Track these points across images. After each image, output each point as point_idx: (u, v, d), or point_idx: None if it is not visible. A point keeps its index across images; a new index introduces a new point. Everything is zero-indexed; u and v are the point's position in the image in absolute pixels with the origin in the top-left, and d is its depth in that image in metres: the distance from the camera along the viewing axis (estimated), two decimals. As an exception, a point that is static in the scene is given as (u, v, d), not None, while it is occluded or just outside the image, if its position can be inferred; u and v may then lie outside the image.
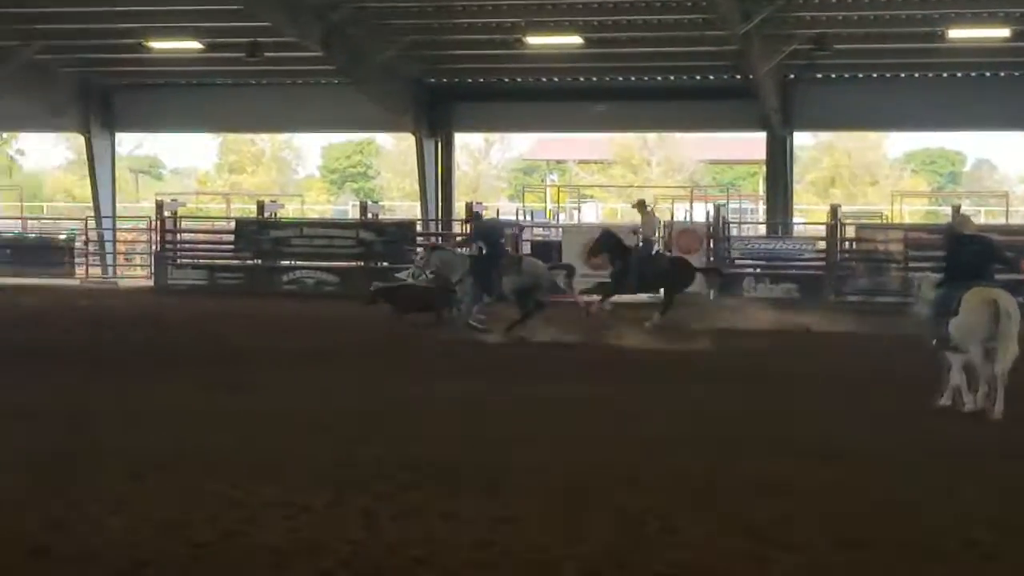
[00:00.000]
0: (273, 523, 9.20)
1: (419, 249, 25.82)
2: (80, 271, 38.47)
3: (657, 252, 27.03)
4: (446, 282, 23.55)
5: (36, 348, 20.44)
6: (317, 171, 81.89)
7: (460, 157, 52.82)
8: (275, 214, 38.28)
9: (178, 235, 37.37)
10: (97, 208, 41.03)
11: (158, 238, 36.74)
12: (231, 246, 36.11)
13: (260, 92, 39.60)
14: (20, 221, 47.89)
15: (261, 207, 37.62)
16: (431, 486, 10.36)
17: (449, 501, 9.82)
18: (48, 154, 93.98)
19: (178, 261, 35.98)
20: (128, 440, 12.33)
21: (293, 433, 12.83)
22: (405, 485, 10.38)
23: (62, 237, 41.01)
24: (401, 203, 64.89)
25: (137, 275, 39.66)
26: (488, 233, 23.95)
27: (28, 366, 18.07)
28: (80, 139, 43.88)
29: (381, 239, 34.68)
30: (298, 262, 34.91)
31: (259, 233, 35.30)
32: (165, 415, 13.89)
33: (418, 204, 41.28)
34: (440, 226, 38.31)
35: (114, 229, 41.23)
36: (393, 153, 74.10)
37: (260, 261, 34.82)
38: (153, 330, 23.39)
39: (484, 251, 23.28)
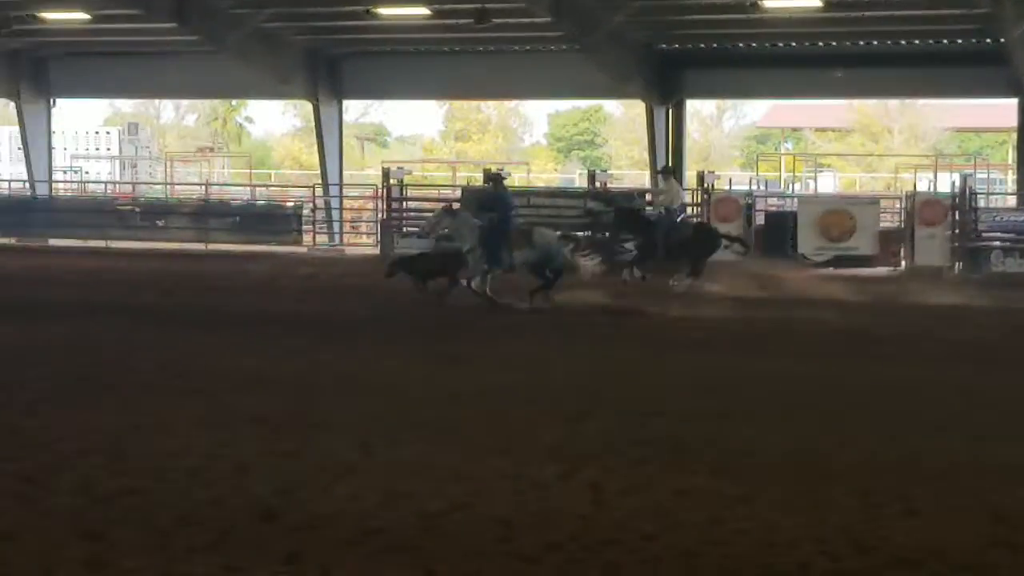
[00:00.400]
0: (501, 495, 9.32)
1: (430, 212, 25.37)
2: (307, 239, 39.43)
3: (682, 220, 26.60)
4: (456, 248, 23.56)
5: (267, 315, 21.05)
6: (544, 139, 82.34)
7: (691, 125, 52.42)
8: (494, 182, 38.53)
9: (404, 203, 37.98)
10: (324, 176, 41.96)
11: (384, 206, 37.40)
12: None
13: (486, 59, 39.91)
14: (248, 188, 49.34)
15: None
16: (661, 460, 10.36)
17: (679, 476, 9.80)
18: (276, 121, 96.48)
19: (404, 229, 36.55)
20: (356, 408, 12.63)
21: (520, 406, 12.94)
22: (635, 460, 10.40)
23: (290, 205, 42.08)
24: (629, 172, 64.82)
25: (363, 243, 40.45)
26: (500, 201, 23.69)
27: (259, 333, 18.63)
28: (308, 106, 44.91)
29: (609, 209, 34.66)
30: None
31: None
32: (391, 386, 14.16)
33: (647, 173, 41.11)
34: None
35: (340, 197, 42.12)
36: (622, 121, 74.03)
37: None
38: (380, 299, 23.82)
39: (494, 220, 23.08)
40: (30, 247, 38.30)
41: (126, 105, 73.30)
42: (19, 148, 47.07)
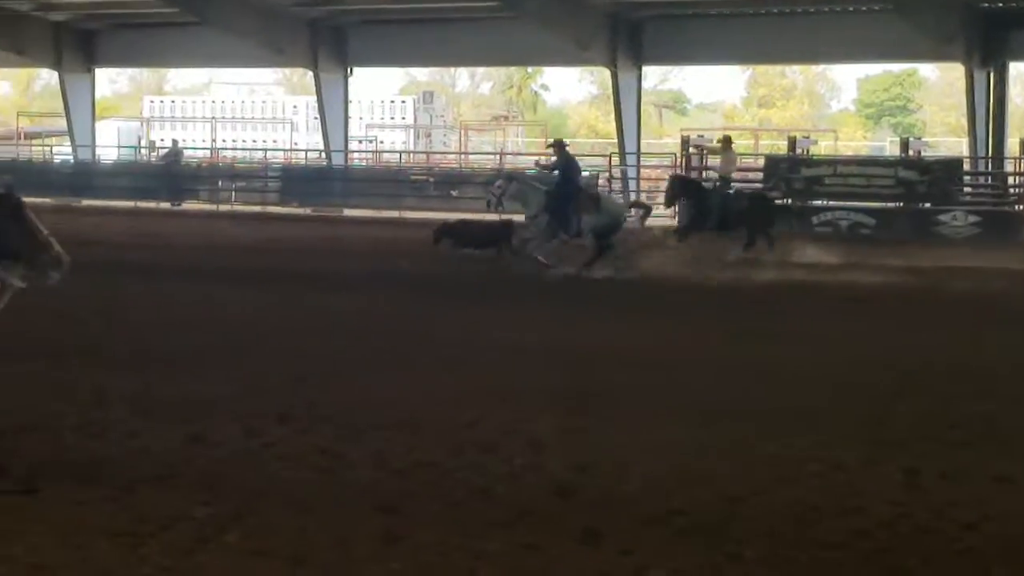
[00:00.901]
0: (806, 479, 9.18)
1: (498, 180, 25.16)
2: (603, 209, 39.54)
3: (736, 191, 26.24)
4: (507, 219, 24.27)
5: (558, 289, 21.22)
6: (852, 105, 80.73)
7: (1014, 89, 50.58)
8: (807, 150, 38.00)
9: (703, 172, 37.74)
10: (621, 144, 42.07)
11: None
12: (759, 184, 36.13)
13: (792, 21, 39.31)
14: (543, 157, 49.76)
15: (792, 143, 37.45)
16: (981, 446, 10.04)
17: (1002, 463, 9.48)
18: (573, 89, 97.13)
19: (704, 200, 36.32)
20: (651, 382, 12.62)
21: (826, 385, 12.73)
22: (952, 444, 10.11)
23: (585, 174, 42.29)
24: (945, 139, 62.98)
25: (660, 214, 40.37)
26: (567, 168, 23.88)
27: (547, 306, 18.81)
28: (605, 73, 45.08)
29: (923, 178, 33.77)
30: (831, 202, 34.54)
31: (790, 171, 35.15)
32: (680, 361, 14.10)
33: (964, 140, 39.86)
34: (990, 164, 36.88)
35: (638, 166, 42.16)
36: (937, 85, 72.03)
37: (790, 200, 34.66)
38: (674, 271, 23.74)
39: (562, 186, 23.12)
40: (325, 216, 39.51)
41: (421, 74, 74.89)
42: (315, 118, 48.61)
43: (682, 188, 26.11)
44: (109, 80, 69.78)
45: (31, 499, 8.31)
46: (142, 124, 58.66)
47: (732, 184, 26.58)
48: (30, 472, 8.90)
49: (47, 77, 65.71)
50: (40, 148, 54.44)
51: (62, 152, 51.64)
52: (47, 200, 41.16)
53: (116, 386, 11.92)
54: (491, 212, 25.85)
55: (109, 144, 52.50)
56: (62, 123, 50.10)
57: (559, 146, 24.97)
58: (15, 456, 9.35)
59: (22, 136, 56.78)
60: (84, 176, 46.07)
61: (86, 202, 42.44)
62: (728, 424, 10.87)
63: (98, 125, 50.70)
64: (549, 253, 23.47)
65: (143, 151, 52.59)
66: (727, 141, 27.97)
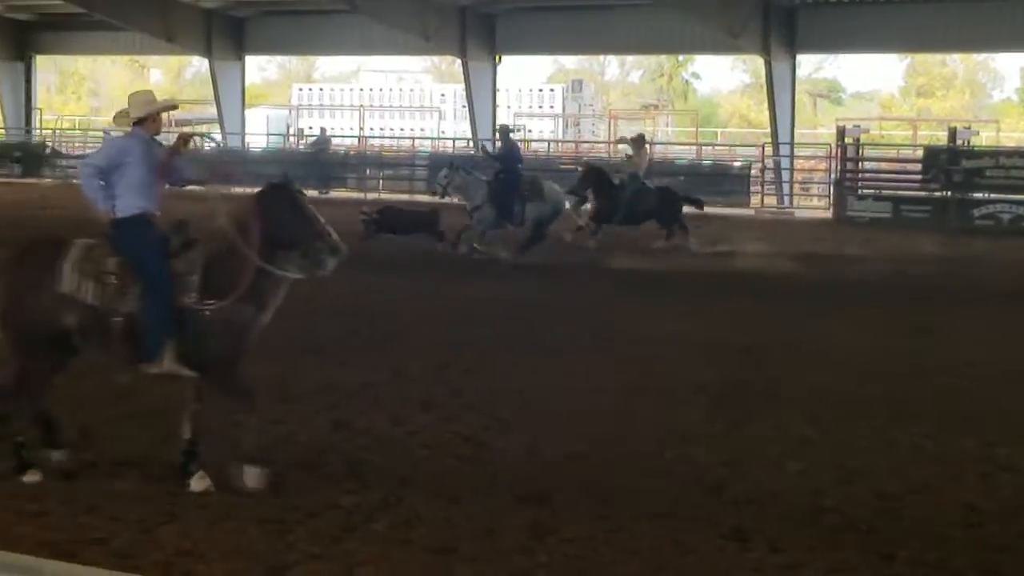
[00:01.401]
0: (969, 479, 9.01)
1: (444, 170, 24.83)
2: (755, 200, 39.26)
3: (644, 186, 26.16)
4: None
5: (706, 279, 21.10)
6: (1015, 95, 79.02)
7: None
8: (968, 142, 37.28)
9: (860, 164, 37.26)
10: (774, 134, 41.63)
11: (838, 167, 36.80)
12: (918, 176, 35.56)
13: (954, 8, 38.56)
14: (694, 147, 49.55)
15: (953, 134, 36.75)
16: None
17: None
18: (724, 77, 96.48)
19: (859, 192, 35.86)
20: (807, 380, 12.48)
21: (991, 383, 12.47)
22: None
23: (737, 165, 42.01)
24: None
25: (814, 205, 39.98)
26: (509, 156, 23.88)
27: (695, 298, 18.70)
28: (758, 61, 44.67)
29: (1090, 171, 32.95)
30: (993, 195, 33.85)
31: (950, 163, 34.51)
32: (844, 356, 13.92)
33: None
34: None
35: (791, 157, 41.73)
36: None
37: (950, 193, 34.04)
38: (830, 266, 23.47)
39: (503, 176, 23.05)
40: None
41: (570, 62, 74.82)
42: (463, 106, 48.83)
43: (596, 179, 25.97)
44: (258, 68, 70.83)
45: (183, 485, 8.45)
46: (291, 112, 59.43)
47: (643, 181, 26.43)
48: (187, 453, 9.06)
49: (197, 65, 66.86)
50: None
51: (213, 139, 52.50)
52: (196, 188, 41.96)
53: (261, 372, 12.08)
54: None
55: (258, 132, 53.28)
56: (212, 110, 50.92)
57: (505, 133, 25.19)
58: (167, 442, 9.52)
59: (172, 123, 57.83)
60: (233, 163, 46.80)
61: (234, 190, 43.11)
62: (887, 421, 10.71)
63: (247, 113, 51.47)
64: (493, 242, 23.64)
65: (291, 139, 53.28)
66: (640, 139, 28.23)
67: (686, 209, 26.45)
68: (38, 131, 52.56)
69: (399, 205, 27.61)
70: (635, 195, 25.86)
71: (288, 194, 8.78)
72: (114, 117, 9.16)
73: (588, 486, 8.69)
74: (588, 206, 25.59)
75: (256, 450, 8.45)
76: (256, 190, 8.84)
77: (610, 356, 13.67)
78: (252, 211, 8.59)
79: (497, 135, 24.95)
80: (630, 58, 76.45)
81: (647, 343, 14.47)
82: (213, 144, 22.88)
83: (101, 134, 52.36)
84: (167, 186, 8.99)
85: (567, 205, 24.74)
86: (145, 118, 8.76)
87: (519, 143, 25.65)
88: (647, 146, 29.13)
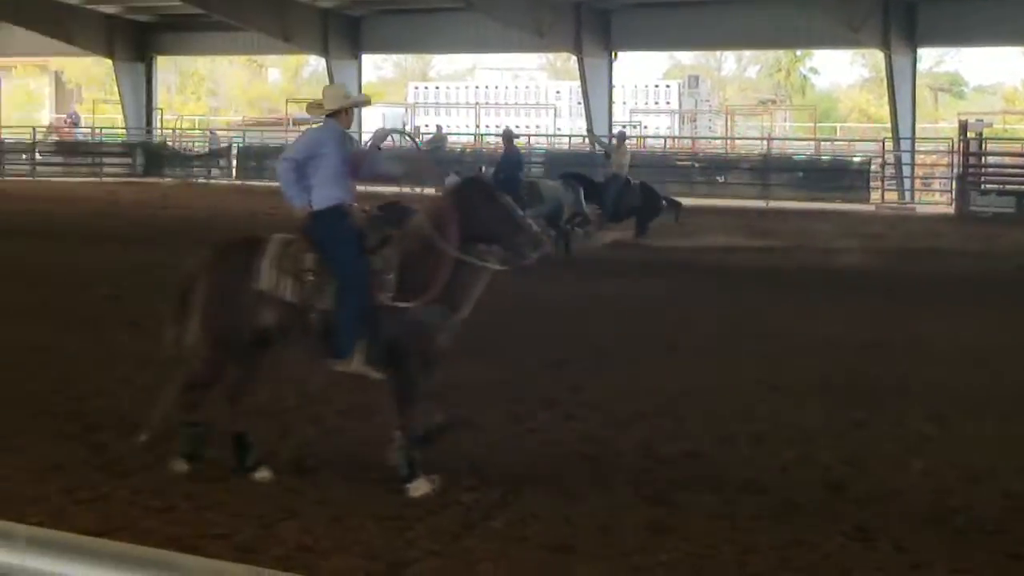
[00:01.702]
0: (1100, 479, 8.86)
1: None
2: (875, 196, 38.86)
3: (628, 183, 26.35)
4: None
5: (830, 276, 20.92)
6: None
7: None
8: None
9: (983, 158, 36.73)
10: (895, 129, 41.18)
11: (960, 161, 36.31)
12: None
13: (1081, -2, 37.85)
14: (812, 143, 49.13)
15: (1078, 128, 36.14)
16: None
17: None
18: (843, 72, 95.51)
19: (983, 187, 35.37)
20: (929, 377, 12.33)
21: None
22: None
23: (856, 160, 41.58)
24: None
25: (936, 201, 39.50)
26: (509, 161, 23.69)
27: (822, 294, 18.54)
28: (878, 55, 44.17)
29: None
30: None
31: (1075, 157, 33.96)
32: (966, 353, 13.73)
33: None
34: None
35: (912, 152, 41.24)
36: None
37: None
38: (954, 262, 23.16)
39: (503, 181, 22.23)
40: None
41: (686, 57, 74.52)
42: (579, 103, 48.83)
43: (576, 183, 25.71)
44: (375, 66, 71.26)
45: (303, 481, 8.54)
46: (407, 110, 59.82)
47: (626, 178, 26.35)
48: (299, 455, 9.16)
49: (314, 64, 67.48)
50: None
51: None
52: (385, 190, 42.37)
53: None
54: None
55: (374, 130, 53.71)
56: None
57: (508, 138, 24.94)
58: (285, 438, 9.63)
59: (291, 122, 58.41)
60: (430, 162, 47.17)
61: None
62: (1011, 419, 10.55)
63: (364, 111, 51.89)
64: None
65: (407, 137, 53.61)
66: (621, 137, 28.64)
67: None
68: (159, 131, 53.39)
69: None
70: (619, 193, 26.08)
71: (484, 187, 8.82)
72: (307, 107, 9.25)
73: (709, 484, 8.65)
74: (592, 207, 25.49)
75: (413, 460, 8.42)
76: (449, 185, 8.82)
77: (730, 354, 13.60)
78: (448, 206, 8.57)
79: (500, 138, 24.81)
80: (747, 53, 75.99)
81: (771, 339, 14.38)
82: (411, 142, 23.15)
83: (208, 133, 53.13)
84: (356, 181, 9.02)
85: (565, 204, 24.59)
86: (339, 111, 8.83)
87: (518, 148, 25.37)
88: (627, 144, 29.25)
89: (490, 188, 8.81)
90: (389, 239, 8.59)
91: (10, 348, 13.12)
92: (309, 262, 8.53)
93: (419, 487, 8.31)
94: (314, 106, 9.00)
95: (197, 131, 58.16)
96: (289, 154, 8.93)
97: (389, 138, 16.18)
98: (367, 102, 10.43)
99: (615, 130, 32.20)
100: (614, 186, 26.17)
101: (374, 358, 8.50)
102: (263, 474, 8.59)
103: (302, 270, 8.51)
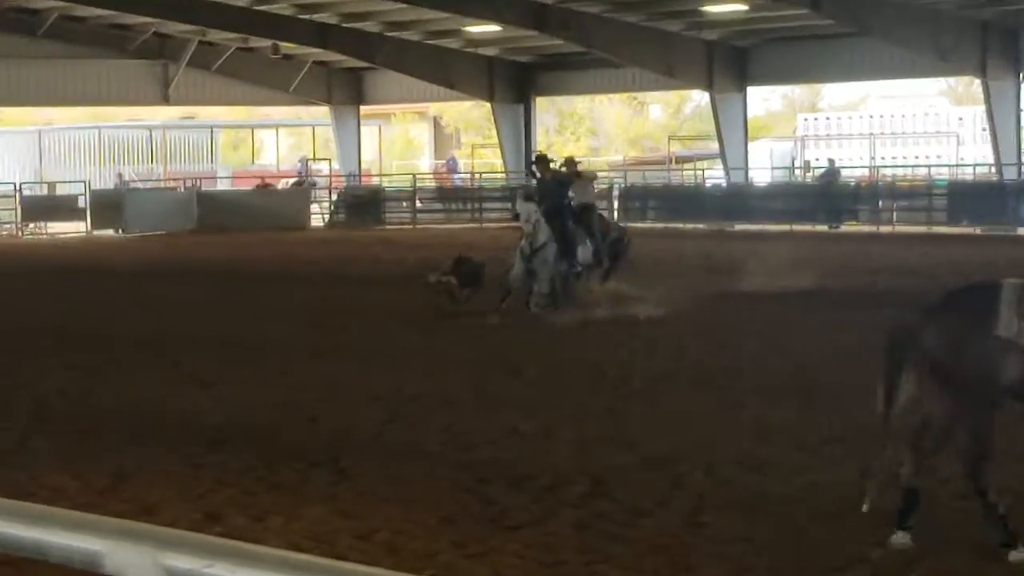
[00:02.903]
0: None
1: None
2: None
3: (599, 217, 23.33)
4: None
5: None
6: None
7: None
8: None
9: None
10: None
11: None
12: None
13: None
14: None
15: None
16: None
17: None
18: None
19: None
20: None
21: None
22: None
23: None
24: None
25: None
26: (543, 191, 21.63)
27: None
28: None
29: None
30: None
31: None
32: None
33: None
34: None
35: None
36: None
37: None
38: None
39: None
40: (996, 236, 38.39)
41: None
42: (983, 129, 47.44)
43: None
44: (761, 98, 71.08)
45: (696, 535, 8.52)
46: (795, 143, 59.35)
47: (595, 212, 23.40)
48: (694, 505, 9.14)
49: (697, 99, 67.77)
50: (691, 172, 56.19)
51: (713, 176, 53.06)
52: (699, 226, 42.47)
53: (778, 417, 12.06)
54: None
55: (762, 166, 53.47)
56: (713, 146, 51.47)
57: (539, 162, 22.89)
58: (679, 488, 9.64)
59: (673, 160, 58.81)
60: (737, 199, 47.10)
61: (739, 226, 43.33)
62: None
63: (750, 146, 51.75)
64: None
65: (797, 171, 53.19)
66: (572, 163, 24.06)
67: None
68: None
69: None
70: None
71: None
72: None
73: None
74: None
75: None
76: None
77: None
78: None
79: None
80: None
81: None
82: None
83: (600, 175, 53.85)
84: None
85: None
86: None
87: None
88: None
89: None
90: None
91: (390, 395, 13.58)
92: None
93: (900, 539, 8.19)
94: None
95: (578, 173, 59.09)
96: None
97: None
98: None
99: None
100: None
101: None
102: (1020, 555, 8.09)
103: None
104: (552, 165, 22.68)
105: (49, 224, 46.29)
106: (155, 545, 2.78)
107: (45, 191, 51.34)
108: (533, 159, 25.24)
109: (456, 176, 58.92)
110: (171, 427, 12.33)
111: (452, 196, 52.37)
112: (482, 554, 8.29)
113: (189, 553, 2.73)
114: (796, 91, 75.66)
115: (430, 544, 8.47)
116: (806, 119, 64.09)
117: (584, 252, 21.66)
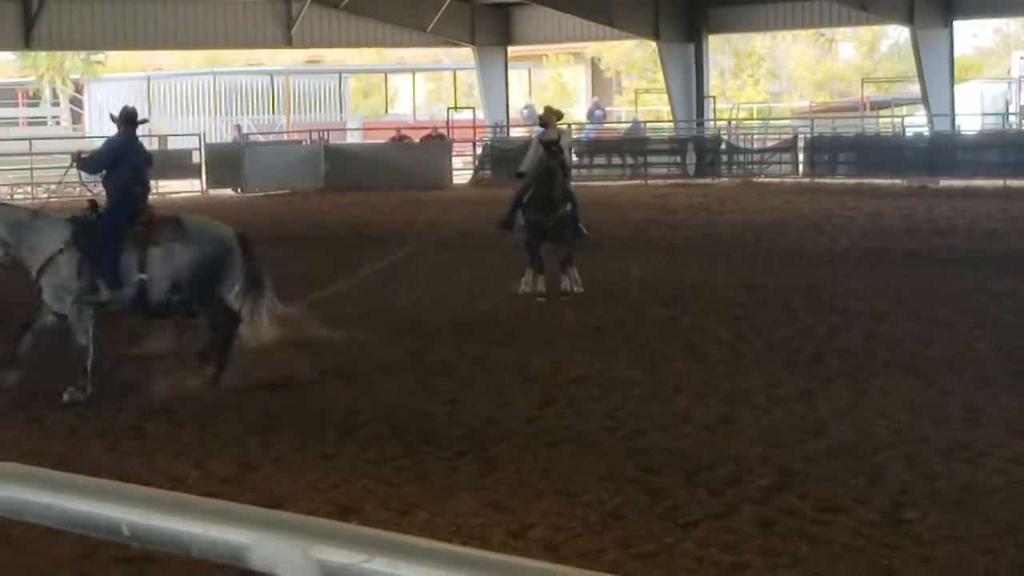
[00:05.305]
0: None
1: None
2: None
3: None
4: None
5: None
6: None
7: None
8: None
9: None
10: None
11: None
12: None
13: None
14: None
15: None
16: None
17: None
18: None
19: None
20: None
21: None
22: None
23: None
24: None
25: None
26: None
27: None
28: None
29: None
30: None
31: None
32: None
33: None
34: None
35: None
36: None
37: None
38: None
39: None
40: None
41: None
42: None
43: None
44: (971, 34, 69.98)
45: (899, 535, 8.51)
46: (1010, 85, 58.38)
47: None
48: (895, 500, 9.11)
49: (894, 35, 66.95)
50: (889, 119, 55.51)
51: (914, 123, 52.37)
52: (897, 181, 41.96)
53: (990, 401, 11.96)
54: None
55: (971, 112, 52.65)
56: (914, 89, 50.81)
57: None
58: (879, 482, 9.61)
59: (867, 106, 58.16)
60: (942, 150, 46.41)
61: (944, 181, 42.71)
62: None
63: (957, 89, 50.99)
64: None
65: (1012, 117, 52.32)
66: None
67: None
68: (711, 122, 54.15)
69: None
70: None
71: None
72: None
73: None
74: None
75: None
76: None
77: None
78: None
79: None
80: None
81: None
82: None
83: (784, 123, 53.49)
84: None
85: None
86: None
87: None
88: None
89: None
90: None
91: (549, 377, 13.65)
92: None
93: None
94: None
95: (756, 121, 58.70)
96: None
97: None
98: None
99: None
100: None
101: None
102: None
103: None
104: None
105: (160, 182, 46.91)
106: (306, 537, 2.85)
107: (155, 145, 52.11)
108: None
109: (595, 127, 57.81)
110: (299, 413, 12.49)
111: (612, 148, 52.20)
112: (652, 554, 8.34)
113: (344, 546, 2.80)
114: (1010, 25, 74.34)
115: (592, 542, 8.54)
116: (1022, 57, 62.96)
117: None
